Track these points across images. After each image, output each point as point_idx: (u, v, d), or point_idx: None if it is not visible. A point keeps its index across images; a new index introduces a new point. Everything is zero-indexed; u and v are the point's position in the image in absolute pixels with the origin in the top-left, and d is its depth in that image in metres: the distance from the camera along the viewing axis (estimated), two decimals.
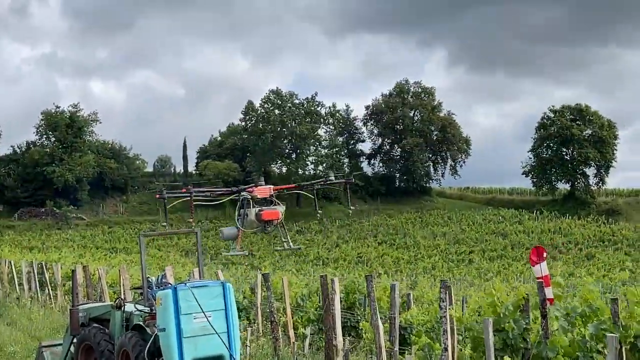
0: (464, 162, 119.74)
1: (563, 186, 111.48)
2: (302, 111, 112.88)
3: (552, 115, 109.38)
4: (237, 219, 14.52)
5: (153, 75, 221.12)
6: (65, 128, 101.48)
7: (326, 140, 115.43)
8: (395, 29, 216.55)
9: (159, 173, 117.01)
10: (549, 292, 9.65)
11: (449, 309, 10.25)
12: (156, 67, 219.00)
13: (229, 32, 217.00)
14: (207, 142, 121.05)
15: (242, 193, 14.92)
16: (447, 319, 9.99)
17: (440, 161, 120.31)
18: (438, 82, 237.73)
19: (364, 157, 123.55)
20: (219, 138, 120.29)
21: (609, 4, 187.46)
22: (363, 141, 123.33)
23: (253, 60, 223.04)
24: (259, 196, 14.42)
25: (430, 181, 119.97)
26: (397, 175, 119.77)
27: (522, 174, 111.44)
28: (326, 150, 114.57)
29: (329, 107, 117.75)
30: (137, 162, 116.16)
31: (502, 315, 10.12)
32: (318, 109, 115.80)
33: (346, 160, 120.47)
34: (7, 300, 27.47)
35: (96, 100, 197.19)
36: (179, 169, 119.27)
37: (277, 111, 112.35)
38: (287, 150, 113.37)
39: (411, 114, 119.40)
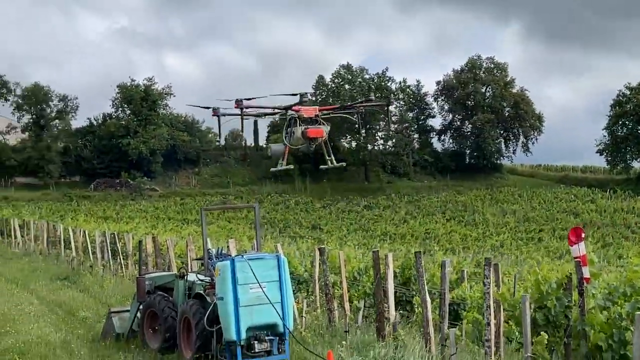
0: (537, 139, 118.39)
1: (638, 165, 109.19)
2: (373, 86, 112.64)
3: (629, 92, 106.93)
4: (285, 137, 15.36)
5: (227, 49, 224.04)
6: (140, 101, 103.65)
7: (396, 116, 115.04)
8: (468, 3, 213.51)
9: (231, 147, 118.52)
10: (585, 272, 9.89)
11: (493, 285, 10.56)
12: (230, 41, 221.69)
13: (303, 6, 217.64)
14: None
15: (289, 112, 15.72)
16: (490, 295, 10.31)
17: (512, 138, 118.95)
18: (511, 57, 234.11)
19: (434, 132, 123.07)
20: None
21: None
22: (433, 117, 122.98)
23: (325, 33, 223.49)
24: (305, 115, 15.18)
25: (502, 158, 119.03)
26: (468, 151, 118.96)
27: (597, 152, 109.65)
28: (396, 126, 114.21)
29: (400, 83, 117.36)
30: (210, 135, 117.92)
31: (545, 293, 10.41)
32: (389, 84, 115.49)
33: (416, 135, 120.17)
34: (81, 268, 28.61)
35: (171, 74, 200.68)
36: (250, 142, 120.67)
37: (347, 86, 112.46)
38: (356, 126, 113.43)
39: (483, 90, 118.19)
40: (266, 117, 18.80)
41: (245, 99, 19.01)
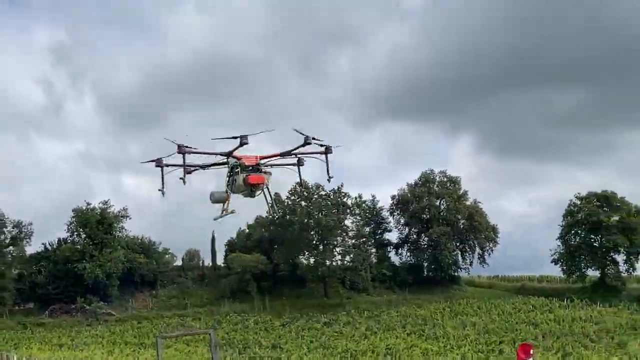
0: (492, 250, 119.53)
1: (593, 273, 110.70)
2: (329, 202, 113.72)
3: (579, 202, 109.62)
4: (227, 185, 15.60)
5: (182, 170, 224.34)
6: (96, 225, 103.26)
7: (353, 231, 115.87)
8: (420, 117, 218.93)
9: (188, 267, 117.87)
10: None
11: None
12: (189, 161, 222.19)
13: (257, 123, 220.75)
14: (235, 234, 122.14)
15: (231, 160, 16.02)
16: None
17: (468, 250, 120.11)
18: (465, 169, 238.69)
19: (392, 246, 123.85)
20: (247, 231, 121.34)
21: (634, 87, 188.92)
22: (390, 231, 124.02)
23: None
24: (246, 163, 15.51)
25: (459, 270, 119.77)
26: (425, 264, 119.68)
27: (552, 261, 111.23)
28: (353, 241, 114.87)
29: (355, 198, 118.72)
30: (167, 256, 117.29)
31: None
32: (344, 199, 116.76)
33: (373, 250, 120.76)
34: None
35: (128, 195, 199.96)
36: (208, 262, 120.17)
37: (303, 203, 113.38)
38: (314, 242, 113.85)
39: (437, 203, 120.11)
40: (210, 167, 19.05)
41: (186, 146, 19.29)
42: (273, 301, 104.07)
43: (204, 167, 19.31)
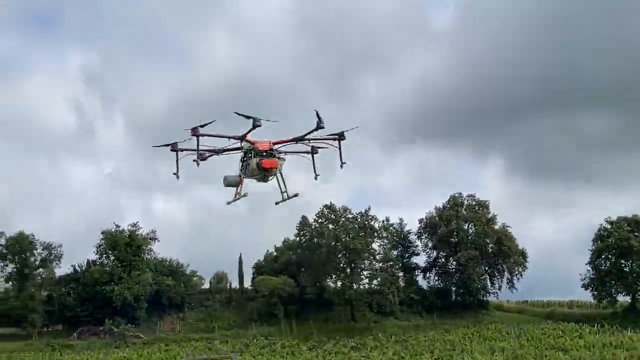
0: (521, 274, 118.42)
1: (624, 299, 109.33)
2: (356, 225, 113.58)
3: (609, 226, 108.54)
4: (240, 169, 15.66)
5: (213, 191, 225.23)
6: (125, 247, 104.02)
7: (380, 254, 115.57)
8: (448, 141, 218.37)
9: (215, 289, 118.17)
10: None
11: None
12: (216, 182, 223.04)
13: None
14: (263, 257, 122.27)
15: (245, 144, 16.06)
16: None
17: (497, 274, 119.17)
18: (494, 192, 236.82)
19: (419, 270, 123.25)
20: (274, 253, 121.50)
21: None
22: (418, 254, 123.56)
23: (311, 174, 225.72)
24: (260, 148, 15.55)
25: (488, 294, 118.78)
26: (454, 288, 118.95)
27: (582, 286, 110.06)
28: (380, 264, 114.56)
29: (383, 221, 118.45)
30: (194, 278, 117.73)
31: None
32: (371, 222, 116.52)
33: (401, 273, 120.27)
34: None
35: (157, 217, 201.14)
36: (235, 284, 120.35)
37: (331, 226, 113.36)
38: (341, 265, 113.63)
39: (466, 227, 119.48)
40: (224, 153, 19.09)
41: (200, 126, 19.46)
42: (300, 324, 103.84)
43: (218, 152, 19.47)
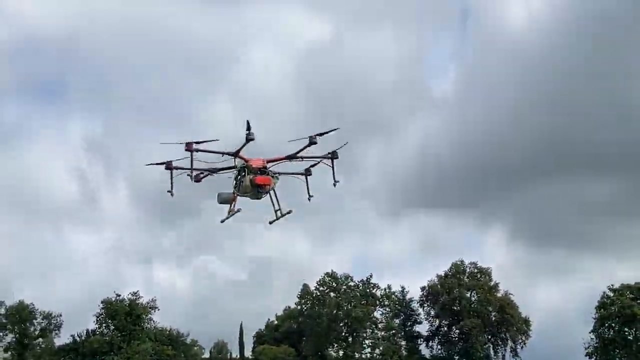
0: (525, 343, 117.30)
1: None
2: (358, 293, 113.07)
3: (612, 294, 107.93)
4: (234, 186, 15.95)
5: (215, 260, 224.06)
6: (125, 316, 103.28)
7: (382, 323, 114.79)
8: (451, 208, 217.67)
9: (216, 359, 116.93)
10: None
11: None
12: (218, 252, 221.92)
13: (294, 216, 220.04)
14: (264, 325, 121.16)
15: (238, 162, 16.37)
16: None
17: (500, 343, 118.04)
18: (495, 260, 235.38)
19: (422, 339, 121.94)
20: (275, 322, 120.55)
21: None
22: (420, 323, 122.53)
23: (313, 241, 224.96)
24: (253, 165, 15.89)
25: None
26: (457, 357, 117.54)
27: (586, 354, 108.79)
28: (383, 333, 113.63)
29: (385, 289, 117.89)
30: (195, 348, 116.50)
31: None
32: (373, 291, 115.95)
33: (403, 342, 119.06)
34: None
35: (157, 286, 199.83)
36: (235, 354, 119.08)
37: (332, 294, 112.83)
38: (343, 334, 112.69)
39: (468, 295, 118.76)
40: (220, 172, 19.38)
41: (195, 142, 19.96)
42: None
43: (212, 171, 20.13)
